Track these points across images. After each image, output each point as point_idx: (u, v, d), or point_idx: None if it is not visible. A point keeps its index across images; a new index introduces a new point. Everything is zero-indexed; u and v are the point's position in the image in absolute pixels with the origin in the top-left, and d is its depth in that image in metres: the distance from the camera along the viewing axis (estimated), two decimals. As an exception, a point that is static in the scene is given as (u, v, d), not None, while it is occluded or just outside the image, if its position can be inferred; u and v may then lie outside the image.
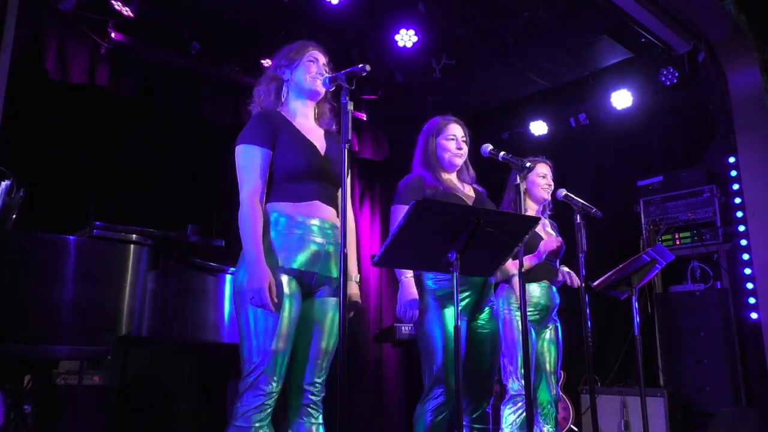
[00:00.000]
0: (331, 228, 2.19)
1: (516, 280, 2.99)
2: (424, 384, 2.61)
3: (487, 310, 2.70)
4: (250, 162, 2.13)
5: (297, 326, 2.11)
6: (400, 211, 2.69)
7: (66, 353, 2.74)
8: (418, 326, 2.67)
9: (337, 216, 2.25)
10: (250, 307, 2.04)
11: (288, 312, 2.06)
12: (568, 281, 3.31)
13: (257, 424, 1.99)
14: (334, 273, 2.18)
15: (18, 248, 2.56)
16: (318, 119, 2.34)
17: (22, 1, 3.05)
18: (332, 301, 2.18)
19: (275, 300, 2.01)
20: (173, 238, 2.98)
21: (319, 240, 2.15)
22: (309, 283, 2.14)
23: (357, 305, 2.30)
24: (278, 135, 2.16)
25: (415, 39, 4.76)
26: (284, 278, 2.08)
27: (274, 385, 2.02)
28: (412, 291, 2.61)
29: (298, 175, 2.15)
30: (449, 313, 2.58)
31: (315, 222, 2.15)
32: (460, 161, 2.80)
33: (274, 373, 2.01)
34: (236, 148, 2.17)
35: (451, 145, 2.78)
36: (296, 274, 2.11)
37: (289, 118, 2.25)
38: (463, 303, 2.60)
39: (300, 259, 2.11)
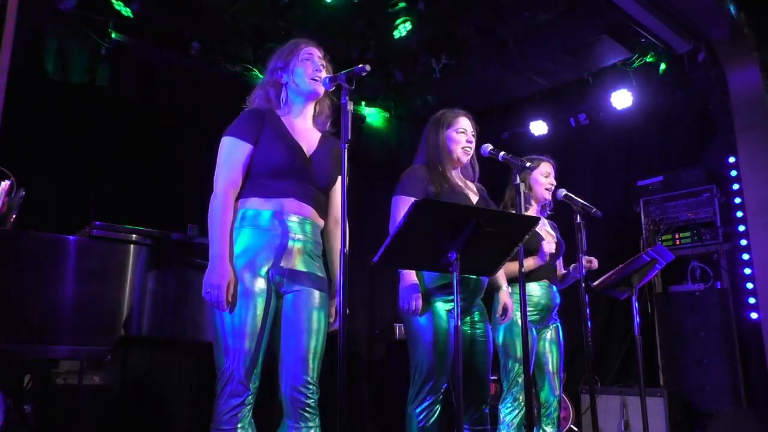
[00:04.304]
0: (310, 225, 2.17)
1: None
2: (411, 383, 2.56)
3: (477, 312, 2.65)
4: (230, 155, 2.13)
5: (277, 325, 2.09)
6: (402, 202, 2.64)
7: (66, 353, 2.73)
8: (407, 323, 2.61)
9: (319, 216, 2.22)
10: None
11: (259, 310, 2.03)
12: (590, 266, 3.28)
13: (239, 425, 1.98)
14: (312, 269, 2.15)
15: (18, 248, 2.55)
16: (316, 118, 2.32)
17: (22, 1, 3.05)
18: (315, 295, 2.13)
19: (230, 300, 2.00)
20: (173, 238, 2.98)
21: (297, 236, 2.12)
22: (284, 280, 2.10)
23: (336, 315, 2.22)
24: (263, 131, 2.15)
25: (409, 27, 4.68)
26: (258, 277, 2.05)
27: (250, 384, 2.00)
28: (413, 278, 2.56)
29: (278, 172, 2.13)
30: (440, 310, 2.54)
31: (293, 219, 2.12)
32: (467, 156, 2.75)
33: (247, 372, 2.00)
34: (221, 139, 2.17)
35: (461, 138, 2.73)
36: (271, 272, 2.08)
37: (282, 118, 2.23)
38: (453, 305, 2.56)
39: (277, 256, 2.08)
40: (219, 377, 2.03)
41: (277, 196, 2.12)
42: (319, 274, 2.18)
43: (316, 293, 2.14)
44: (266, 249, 2.08)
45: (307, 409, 2.05)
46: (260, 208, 2.11)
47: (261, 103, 2.27)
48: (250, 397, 2.01)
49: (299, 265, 2.13)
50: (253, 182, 2.14)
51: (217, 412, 2.01)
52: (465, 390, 2.53)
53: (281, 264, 2.09)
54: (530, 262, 3.13)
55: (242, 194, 2.14)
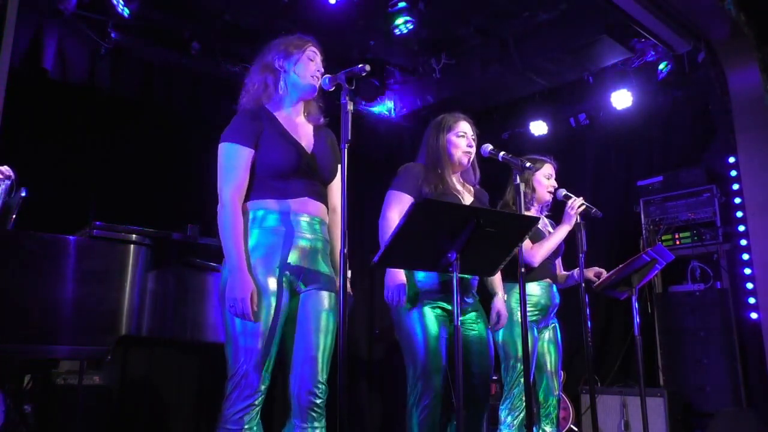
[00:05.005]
0: (319, 224, 2.16)
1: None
2: (409, 384, 2.56)
3: (471, 312, 2.65)
4: (232, 161, 2.10)
5: (289, 326, 2.09)
6: (393, 197, 2.65)
7: (66, 353, 2.74)
8: (397, 324, 2.61)
9: (326, 211, 2.22)
10: None
11: (273, 310, 2.03)
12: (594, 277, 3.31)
13: (246, 426, 1.98)
14: (323, 269, 2.15)
15: (18, 248, 2.56)
16: (307, 115, 2.29)
17: (22, 1, 3.05)
18: (325, 295, 2.14)
19: (255, 309, 1.99)
20: (173, 238, 2.98)
21: (308, 236, 2.12)
22: (297, 280, 2.10)
23: (350, 298, 2.26)
24: (262, 133, 2.12)
25: (409, 27, 4.66)
26: (270, 276, 2.05)
27: (261, 385, 2.00)
28: (400, 276, 2.56)
29: (284, 173, 2.11)
30: (429, 312, 2.54)
31: (304, 218, 2.12)
32: (469, 159, 2.75)
33: (260, 372, 1.99)
34: (219, 146, 2.14)
35: (462, 142, 2.73)
36: (283, 272, 2.07)
37: (276, 114, 2.20)
38: (443, 304, 2.56)
39: (288, 256, 2.08)
40: (230, 377, 2.01)
41: (286, 196, 2.11)
42: (329, 274, 2.18)
43: (326, 293, 2.14)
44: (278, 249, 2.07)
45: (316, 409, 2.06)
46: (270, 208, 2.10)
47: (258, 92, 2.22)
48: (260, 398, 2.01)
49: (311, 264, 2.12)
50: (260, 184, 2.12)
51: (225, 412, 1.99)
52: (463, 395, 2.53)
53: (294, 264, 2.09)
54: (562, 232, 3.17)
55: (250, 196, 2.12)
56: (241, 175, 2.10)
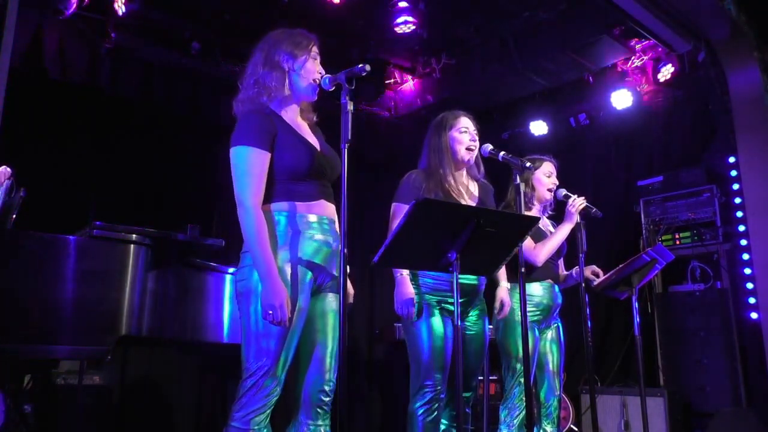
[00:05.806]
0: (329, 224, 2.16)
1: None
2: (411, 384, 2.62)
3: (474, 312, 2.70)
4: (250, 166, 2.05)
5: (304, 326, 2.09)
6: (397, 210, 2.70)
7: (66, 353, 2.74)
8: (406, 329, 2.69)
9: (335, 211, 2.23)
10: (253, 308, 2.01)
11: (293, 312, 2.02)
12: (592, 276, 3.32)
13: (256, 427, 1.97)
14: (335, 270, 2.16)
15: (18, 248, 2.56)
16: (301, 113, 2.29)
17: (22, 1, 3.05)
18: (331, 296, 2.16)
19: (290, 315, 1.99)
20: (173, 238, 2.98)
21: (319, 237, 2.12)
22: (314, 281, 2.11)
23: (349, 306, 2.29)
24: (276, 135, 2.10)
25: (412, 27, 4.69)
26: (290, 278, 2.05)
27: (276, 386, 2.00)
28: (409, 289, 2.62)
29: (300, 176, 2.11)
30: (436, 316, 2.61)
31: (313, 218, 2.12)
32: (473, 155, 2.76)
33: (276, 374, 1.99)
34: (233, 149, 2.09)
35: (465, 138, 2.74)
36: (303, 273, 2.07)
37: (281, 114, 2.19)
38: (453, 307, 2.60)
39: (305, 258, 2.08)
40: (246, 377, 2.00)
41: (309, 199, 2.12)
42: (336, 275, 2.18)
43: (334, 295, 2.16)
44: (296, 252, 2.07)
45: (324, 407, 2.08)
46: (285, 211, 2.09)
47: (270, 91, 2.18)
48: (275, 399, 2.01)
49: (325, 265, 2.13)
50: (279, 187, 2.10)
51: (235, 414, 1.99)
52: (449, 384, 2.60)
53: (310, 265, 2.09)
54: (564, 230, 3.17)
55: (269, 199, 2.10)
56: (262, 180, 2.06)
